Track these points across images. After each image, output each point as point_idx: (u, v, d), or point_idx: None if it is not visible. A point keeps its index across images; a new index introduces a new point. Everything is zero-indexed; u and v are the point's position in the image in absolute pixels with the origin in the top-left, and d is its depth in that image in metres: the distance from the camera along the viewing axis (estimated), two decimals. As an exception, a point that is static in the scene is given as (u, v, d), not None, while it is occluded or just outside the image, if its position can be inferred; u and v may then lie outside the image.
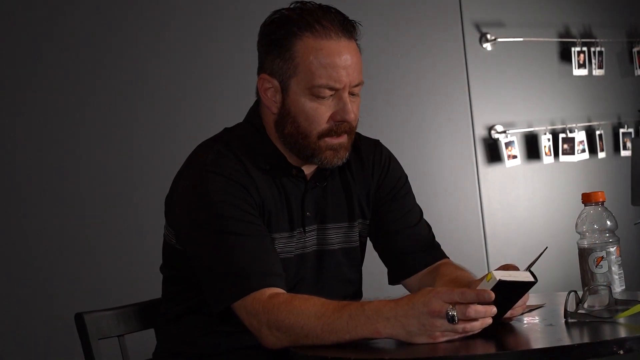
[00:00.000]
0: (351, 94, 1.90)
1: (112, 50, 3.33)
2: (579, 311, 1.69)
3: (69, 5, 3.27)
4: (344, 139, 1.92)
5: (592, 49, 4.28)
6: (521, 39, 4.14)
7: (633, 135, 4.36)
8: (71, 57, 3.27)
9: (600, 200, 1.96)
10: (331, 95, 1.88)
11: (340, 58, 1.87)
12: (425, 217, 2.15)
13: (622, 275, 1.94)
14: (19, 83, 3.19)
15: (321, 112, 1.89)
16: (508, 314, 1.70)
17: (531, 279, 1.64)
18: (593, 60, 4.28)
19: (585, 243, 1.95)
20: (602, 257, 1.92)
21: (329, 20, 1.88)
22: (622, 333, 1.59)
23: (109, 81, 3.32)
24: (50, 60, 3.23)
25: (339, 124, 1.90)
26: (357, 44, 1.92)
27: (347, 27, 1.90)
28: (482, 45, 4.09)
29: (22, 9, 3.20)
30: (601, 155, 4.30)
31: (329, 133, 1.90)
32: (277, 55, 1.90)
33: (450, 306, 1.57)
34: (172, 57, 3.42)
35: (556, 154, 4.19)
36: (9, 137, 3.17)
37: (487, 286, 1.60)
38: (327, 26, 1.88)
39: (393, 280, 2.13)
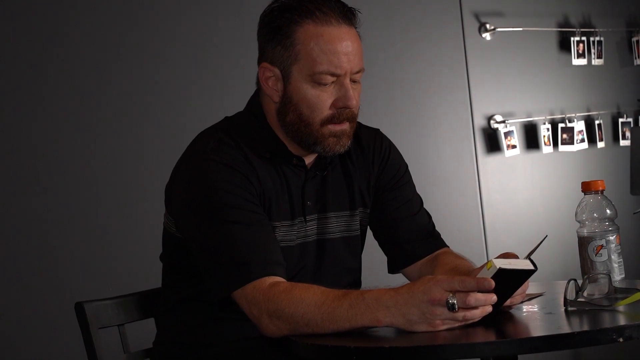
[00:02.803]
0: (352, 81, 1.91)
1: (112, 42, 3.33)
2: (579, 299, 1.70)
3: (73, 4, 3.28)
4: (346, 126, 1.92)
5: (592, 39, 4.28)
6: (520, 29, 4.14)
7: (632, 125, 4.36)
8: (72, 52, 3.26)
9: (600, 188, 1.96)
10: (333, 82, 1.89)
11: (341, 44, 1.87)
12: (424, 206, 2.16)
13: (622, 263, 1.95)
14: (23, 81, 3.19)
15: (323, 99, 1.89)
16: (508, 302, 1.71)
17: (531, 267, 1.65)
18: (592, 50, 4.27)
19: (585, 232, 1.95)
20: (602, 246, 1.92)
21: (328, 7, 1.89)
22: (622, 321, 1.59)
23: (107, 71, 3.31)
24: (52, 57, 3.23)
25: (341, 111, 1.90)
26: (357, 31, 1.93)
27: (346, 14, 1.90)
28: (481, 35, 4.08)
29: (31, 12, 3.20)
30: (600, 144, 4.29)
31: (331, 120, 1.90)
32: (278, 43, 1.90)
33: (451, 294, 1.57)
34: (172, 47, 3.42)
35: (555, 144, 4.19)
36: (11, 132, 3.17)
37: (487, 274, 1.60)
38: (327, 13, 1.88)
39: (393, 269, 2.13)
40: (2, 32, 3.17)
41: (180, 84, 3.42)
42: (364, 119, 2.09)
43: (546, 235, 1.86)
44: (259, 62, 1.96)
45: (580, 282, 1.73)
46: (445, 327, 1.59)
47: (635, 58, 4.42)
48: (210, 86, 3.47)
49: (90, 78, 3.28)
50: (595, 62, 4.30)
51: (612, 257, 1.92)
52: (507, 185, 4.12)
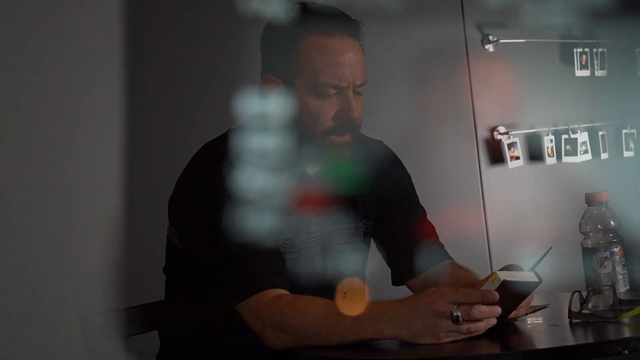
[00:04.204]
0: (355, 93, 1.91)
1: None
2: (583, 311, 1.69)
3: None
4: (348, 138, 1.92)
5: (595, 50, 4.28)
6: (523, 40, 4.14)
7: (636, 136, 4.36)
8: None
9: (604, 200, 1.96)
10: (335, 94, 1.89)
11: (344, 56, 1.87)
12: (428, 218, 2.15)
13: (626, 275, 1.94)
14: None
15: (325, 110, 1.89)
16: (512, 315, 1.70)
17: (535, 279, 1.64)
18: (595, 61, 4.27)
19: (589, 243, 1.94)
20: (606, 257, 1.92)
21: (332, 19, 1.89)
22: (627, 333, 1.59)
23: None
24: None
25: (344, 122, 1.90)
26: (360, 43, 1.93)
27: (350, 26, 1.90)
28: (484, 46, 4.08)
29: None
30: (604, 156, 4.29)
31: (333, 131, 1.90)
32: (281, 54, 1.90)
33: (455, 306, 1.57)
34: (175, 57, 3.42)
35: (559, 155, 4.18)
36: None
37: (491, 286, 1.60)
38: (330, 24, 1.88)
39: (396, 281, 2.13)
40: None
41: (185, 94, 3.43)
42: (367, 130, 2.09)
43: (550, 247, 1.85)
44: (262, 73, 1.96)
45: (584, 294, 1.72)
46: (449, 339, 1.59)
47: (638, 69, 4.42)
48: (213, 97, 3.47)
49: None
50: (599, 73, 4.30)
51: (617, 268, 1.92)
52: (511, 196, 4.11)
